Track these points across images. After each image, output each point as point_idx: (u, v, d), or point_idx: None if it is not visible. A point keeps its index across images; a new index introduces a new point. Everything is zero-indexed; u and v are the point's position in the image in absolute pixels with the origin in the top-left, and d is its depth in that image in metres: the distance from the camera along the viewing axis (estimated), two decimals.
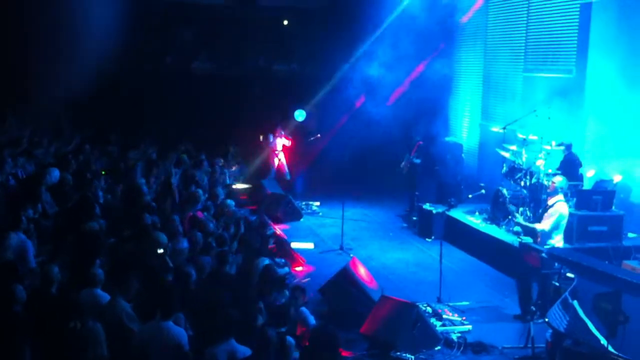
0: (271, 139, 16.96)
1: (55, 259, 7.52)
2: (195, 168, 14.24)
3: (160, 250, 8.03)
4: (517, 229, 10.93)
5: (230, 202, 12.02)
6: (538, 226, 9.22)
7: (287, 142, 17.02)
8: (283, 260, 10.30)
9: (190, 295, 7.08)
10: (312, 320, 7.38)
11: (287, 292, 7.99)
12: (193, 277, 7.35)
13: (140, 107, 17.54)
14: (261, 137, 17.70)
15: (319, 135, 17.06)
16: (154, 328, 5.95)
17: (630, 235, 11.42)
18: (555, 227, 9.20)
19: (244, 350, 5.81)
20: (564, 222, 9.36)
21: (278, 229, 12.13)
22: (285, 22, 20.11)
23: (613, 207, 11.26)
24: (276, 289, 7.71)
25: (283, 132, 17.01)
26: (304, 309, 7.51)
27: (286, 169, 17.01)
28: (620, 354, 6.10)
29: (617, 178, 12.96)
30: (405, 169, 15.21)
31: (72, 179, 11.00)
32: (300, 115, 18.36)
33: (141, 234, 8.66)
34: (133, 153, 14.56)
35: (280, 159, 16.99)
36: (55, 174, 10.53)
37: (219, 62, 19.83)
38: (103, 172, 12.22)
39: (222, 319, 5.96)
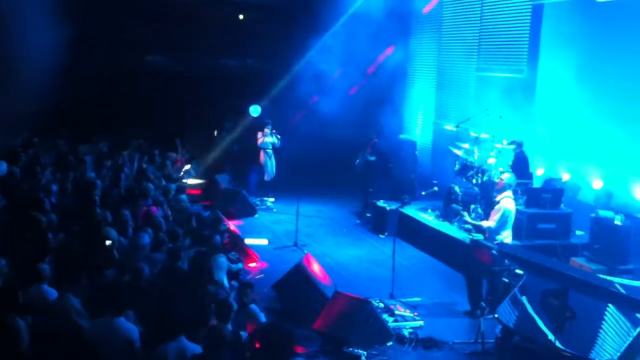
0: (260, 137, 15.93)
1: (3, 253, 7.33)
2: (147, 163, 14.05)
3: (108, 242, 7.89)
4: (468, 226, 11.10)
5: (184, 197, 11.89)
6: (485, 223, 9.36)
7: (277, 140, 15.93)
8: (237, 256, 10.23)
9: (142, 291, 6.98)
10: (262, 317, 7.35)
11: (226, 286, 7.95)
12: (146, 273, 7.24)
13: (91, 101, 17.18)
14: (216, 132, 17.56)
15: (274, 131, 16.99)
16: (105, 324, 5.86)
17: (578, 232, 11.67)
18: (502, 223, 9.31)
19: (194, 348, 5.76)
20: (511, 218, 9.47)
21: (232, 225, 12.04)
22: (241, 17, 19.95)
23: (562, 205, 11.50)
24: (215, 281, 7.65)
25: (273, 130, 15.96)
26: (253, 305, 7.47)
27: (270, 168, 16.06)
28: (567, 350, 6.24)
29: (565, 177, 13.27)
30: (359, 166, 15.30)
31: (20, 172, 10.73)
32: (255, 110, 18.26)
33: (91, 229, 8.50)
34: (84, 147, 14.29)
35: (270, 158, 15.98)
36: (3, 167, 10.28)
37: (173, 57, 19.55)
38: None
39: (173, 316, 5.90)
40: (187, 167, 15.74)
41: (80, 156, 13.36)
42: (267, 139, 15.86)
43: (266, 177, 16.04)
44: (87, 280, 6.63)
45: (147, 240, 8.45)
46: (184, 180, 14.67)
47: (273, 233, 13.46)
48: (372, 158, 15.18)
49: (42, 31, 13.84)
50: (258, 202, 15.59)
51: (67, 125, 15.83)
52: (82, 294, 6.52)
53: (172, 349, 5.67)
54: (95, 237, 8.21)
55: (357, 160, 15.29)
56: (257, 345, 5.89)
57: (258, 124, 16.64)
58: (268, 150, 15.93)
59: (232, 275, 9.23)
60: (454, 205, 11.09)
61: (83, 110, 16.79)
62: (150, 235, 8.74)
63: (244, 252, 11.07)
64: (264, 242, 12.69)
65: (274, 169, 16.09)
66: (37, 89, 13.23)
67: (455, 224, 12.27)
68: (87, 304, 6.47)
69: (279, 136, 15.83)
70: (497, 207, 9.39)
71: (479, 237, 9.37)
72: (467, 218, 9.95)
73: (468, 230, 10.82)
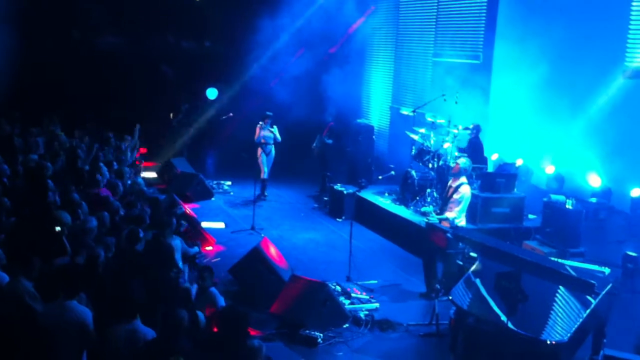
0: (258, 130, 14.52)
1: None
2: (102, 146, 13.79)
3: (58, 229, 7.75)
4: (424, 209, 11.20)
5: (140, 180, 11.73)
6: (449, 215, 9.40)
7: (277, 135, 14.50)
8: (192, 240, 10.13)
9: (96, 275, 6.88)
10: (221, 300, 7.32)
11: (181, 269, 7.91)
12: (101, 257, 7.14)
13: (44, 83, 16.76)
14: (172, 115, 17.32)
15: (231, 114, 16.87)
16: (57, 307, 5.78)
17: (531, 216, 11.90)
18: (462, 210, 9.46)
19: (147, 331, 5.71)
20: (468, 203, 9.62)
21: (188, 208, 11.94)
22: None
23: (515, 190, 11.70)
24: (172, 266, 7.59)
25: (269, 122, 14.54)
26: (213, 289, 7.44)
27: (268, 167, 14.72)
28: (519, 330, 6.37)
29: (519, 162, 13.51)
30: (316, 150, 15.30)
31: None
32: (212, 93, 18.10)
33: (43, 212, 8.33)
34: (36, 130, 13.96)
35: (268, 155, 14.61)
36: None
37: (127, 38, 19.17)
38: None
39: (127, 299, 5.83)
40: (142, 150, 15.54)
41: (32, 138, 13.04)
42: (266, 132, 14.51)
43: (262, 175, 14.69)
44: (39, 264, 6.50)
45: (95, 224, 8.32)
46: (139, 164, 14.47)
47: (230, 216, 13.39)
48: (329, 141, 15.21)
49: None
50: (215, 186, 15.49)
51: (17, 108, 15.41)
52: (34, 278, 6.41)
53: (123, 331, 5.61)
54: (47, 220, 8.05)
55: (314, 144, 15.28)
56: (215, 329, 5.87)
57: (214, 107, 16.47)
58: (268, 146, 14.54)
59: (189, 258, 9.16)
60: (424, 209, 11.12)
61: (34, 93, 16.38)
62: (106, 218, 8.61)
63: (201, 236, 10.99)
64: (220, 225, 12.62)
65: (269, 167, 14.77)
66: None
67: (412, 207, 12.37)
68: (39, 287, 6.37)
69: (272, 129, 14.49)
70: (456, 196, 9.41)
71: (434, 220, 9.47)
72: (435, 218, 9.73)
73: (424, 214, 10.92)
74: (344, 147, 15.69)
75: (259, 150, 14.56)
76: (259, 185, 14.51)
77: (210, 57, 19.28)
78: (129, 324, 5.67)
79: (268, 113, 14.61)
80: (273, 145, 14.66)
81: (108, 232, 8.42)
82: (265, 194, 14.88)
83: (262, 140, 14.47)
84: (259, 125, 14.51)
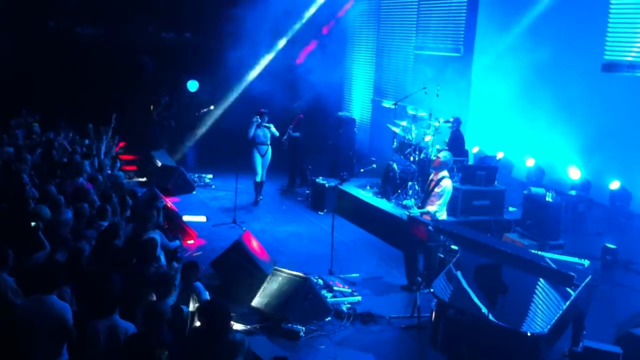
0: (253, 130, 13.47)
1: None
2: (80, 138, 13.67)
3: (33, 224, 7.67)
4: (405, 202, 11.23)
5: (120, 173, 11.63)
6: (430, 209, 9.42)
7: (274, 130, 13.60)
8: (173, 234, 10.07)
9: (77, 269, 6.82)
10: (205, 295, 7.29)
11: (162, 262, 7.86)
12: (86, 252, 7.09)
13: (21, 74, 16.55)
14: (152, 107, 17.18)
15: (212, 106, 16.77)
16: (36, 301, 5.73)
17: (511, 209, 11.97)
18: (444, 203, 9.49)
19: (127, 326, 5.68)
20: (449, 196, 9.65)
21: (169, 202, 11.87)
22: None
23: (495, 182, 11.77)
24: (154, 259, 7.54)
25: (265, 119, 13.56)
26: (198, 283, 7.39)
27: (262, 170, 13.69)
28: (499, 322, 6.41)
29: (499, 155, 13.60)
30: (286, 143, 15.09)
31: None
32: (192, 85, 17.99)
33: (20, 206, 8.24)
34: (14, 121, 13.81)
35: (263, 155, 13.65)
36: None
37: (105, 28, 18.94)
38: None
39: (107, 294, 5.79)
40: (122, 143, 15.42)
41: (11, 130, 12.90)
42: (260, 131, 13.53)
43: (256, 178, 13.75)
44: (16, 258, 6.44)
45: (70, 216, 8.24)
46: (120, 156, 14.36)
47: (211, 210, 13.33)
48: (297, 134, 15.08)
49: None
50: (196, 179, 15.41)
51: None
52: (12, 273, 6.34)
53: (102, 326, 5.58)
54: (25, 214, 7.96)
55: (284, 137, 15.06)
56: (199, 324, 5.86)
57: (194, 99, 16.30)
58: (263, 146, 13.61)
59: (170, 252, 9.10)
60: (406, 202, 11.13)
61: (10, 85, 16.17)
62: (85, 210, 8.53)
63: (182, 229, 10.93)
64: (202, 219, 12.56)
65: (265, 169, 13.76)
66: None
67: (393, 200, 12.39)
68: (19, 282, 6.30)
69: (268, 125, 13.52)
70: (437, 190, 9.40)
71: (416, 213, 9.49)
72: (416, 211, 9.68)
73: (405, 207, 10.94)
74: (320, 139, 15.58)
75: (254, 150, 13.68)
76: (252, 188, 13.85)
77: (190, 49, 19.14)
78: (107, 319, 5.64)
79: (263, 110, 13.72)
80: (269, 146, 13.70)
81: (87, 226, 8.35)
82: (261, 197, 13.98)
83: (256, 140, 13.54)
84: (254, 123, 13.49)
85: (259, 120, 13.45)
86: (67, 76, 17.07)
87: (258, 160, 13.62)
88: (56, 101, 16.29)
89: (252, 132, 13.49)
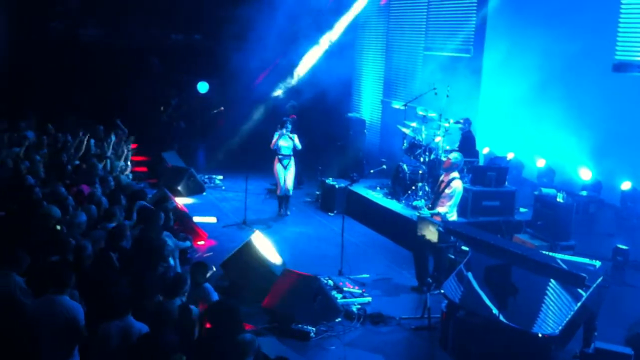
0: (275, 138, 12.86)
1: None
2: (91, 139, 13.71)
3: (56, 225, 7.71)
4: (415, 203, 11.20)
5: (129, 175, 11.67)
6: (441, 210, 9.39)
7: (297, 142, 12.91)
8: (184, 235, 10.11)
9: (86, 270, 6.84)
10: (215, 296, 7.30)
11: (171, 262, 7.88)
12: (88, 251, 7.10)
13: (26, 76, 16.60)
14: (162, 108, 17.22)
15: (222, 108, 16.80)
16: (46, 301, 5.73)
17: (522, 210, 11.90)
18: (454, 205, 9.46)
19: (140, 327, 5.68)
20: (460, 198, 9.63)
21: (179, 203, 11.90)
22: None
23: (506, 183, 11.72)
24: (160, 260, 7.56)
25: (288, 128, 12.86)
26: (207, 284, 7.40)
27: (284, 182, 12.91)
28: (510, 323, 6.39)
29: (510, 155, 13.53)
30: None
31: None
32: (203, 87, 18.04)
33: (31, 207, 8.28)
34: (23, 123, 13.88)
35: (286, 168, 12.90)
36: None
37: (108, 30, 18.93)
38: None
39: (117, 295, 5.80)
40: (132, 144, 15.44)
41: (22, 132, 12.97)
42: (283, 142, 12.89)
43: (278, 192, 13.12)
44: (28, 259, 6.46)
45: (84, 219, 8.27)
46: (130, 158, 14.41)
47: (221, 211, 13.35)
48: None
49: None
50: (206, 180, 15.44)
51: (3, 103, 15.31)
52: (23, 273, 6.36)
53: (115, 328, 5.58)
54: (35, 215, 8.00)
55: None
56: (208, 325, 5.86)
57: (205, 101, 16.29)
58: (285, 158, 12.92)
59: (180, 253, 9.12)
60: (416, 203, 11.06)
61: (16, 87, 16.24)
62: (94, 212, 8.57)
63: (192, 230, 10.95)
64: (212, 220, 12.58)
65: (292, 182, 13.11)
66: None
67: (403, 201, 12.38)
68: (30, 282, 6.32)
69: (291, 135, 12.86)
70: (448, 191, 9.38)
71: (426, 214, 9.47)
72: (426, 212, 9.61)
73: (415, 208, 10.91)
74: (330, 140, 15.52)
75: (276, 161, 13.01)
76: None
77: (200, 50, 19.18)
78: (120, 320, 5.64)
79: (285, 118, 13.25)
80: (292, 157, 13.00)
81: (96, 227, 8.38)
82: (288, 212, 13.28)
83: (278, 152, 12.93)
84: (278, 133, 12.89)
85: (283, 132, 12.85)
86: (73, 78, 17.11)
87: (279, 171, 12.98)
88: (65, 103, 16.34)
89: (275, 142, 12.94)
